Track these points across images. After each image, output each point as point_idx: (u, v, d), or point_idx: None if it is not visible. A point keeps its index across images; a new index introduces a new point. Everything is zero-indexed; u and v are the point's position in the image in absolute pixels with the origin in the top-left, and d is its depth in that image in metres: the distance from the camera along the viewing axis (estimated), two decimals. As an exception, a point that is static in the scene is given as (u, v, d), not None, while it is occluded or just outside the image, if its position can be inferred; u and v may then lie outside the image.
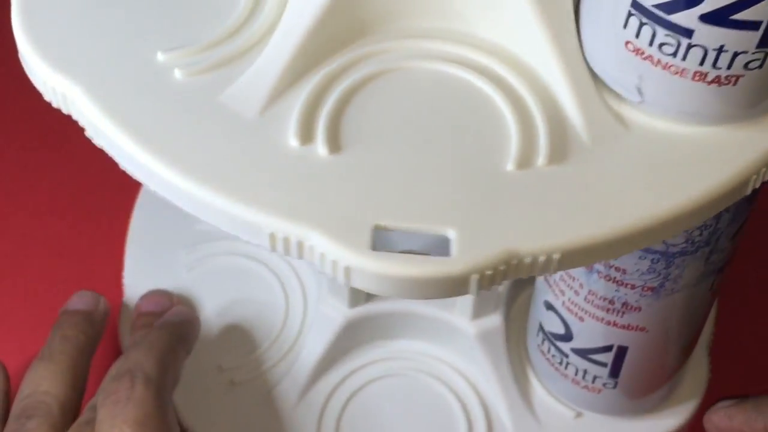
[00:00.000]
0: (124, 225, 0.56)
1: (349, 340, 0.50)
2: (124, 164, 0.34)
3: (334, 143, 0.33)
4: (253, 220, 0.32)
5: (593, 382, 0.46)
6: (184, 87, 0.35)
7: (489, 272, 0.31)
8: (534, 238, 0.31)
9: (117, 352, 0.51)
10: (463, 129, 0.34)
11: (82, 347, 0.45)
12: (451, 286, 0.31)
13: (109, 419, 0.40)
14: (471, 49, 0.35)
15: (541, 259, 0.31)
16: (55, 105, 0.35)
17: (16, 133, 0.61)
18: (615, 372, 0.45)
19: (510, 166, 0.33)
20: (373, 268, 0.31)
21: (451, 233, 0.31)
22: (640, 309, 0.41)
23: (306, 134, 0.33)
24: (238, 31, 0.36)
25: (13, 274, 0.56)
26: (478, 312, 0.48)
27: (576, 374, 0.46)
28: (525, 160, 0.33)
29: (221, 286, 0.52)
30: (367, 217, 0.31)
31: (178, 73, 0.35)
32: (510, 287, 0.49)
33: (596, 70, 0.34)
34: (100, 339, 0.47)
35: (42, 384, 0.43)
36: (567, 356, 0.46)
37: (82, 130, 0.35)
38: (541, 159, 0.33)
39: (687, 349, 0.46)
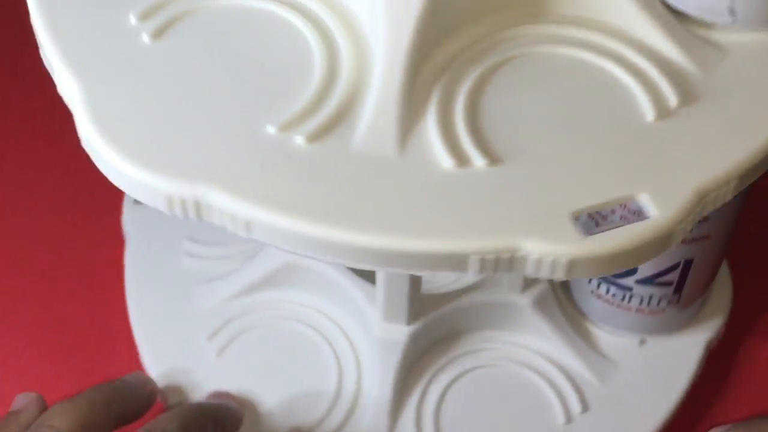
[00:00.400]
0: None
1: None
2: (271, 241, 0.33)
3: (491, 154, 0.33)
4: (457, 250, 0.32)
5: (658, 304, 0.48)
6: (312, 151, 0.34)
7: (692, 216, 0.32)
8: (711, 171, 0.33)
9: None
10: (594, 102, 0.35)
11: (109, 401, 0.43)
12: (661, 245, 0.32)
13: None
14: (573, 28, 0.37)
15: (724, 189, 0.33)
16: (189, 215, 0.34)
17: (16, 133, 0.61)
18: (679, 287, 0.47)
19: (650, 118, 0.34)
20: (597, 252, 0.31)
21: (643, 197, 0.32)
22: (709, 218, 0.44)
23: (458, 155, 0.33)
24: (332, 83, 0.35)
25: (13, 274, 0.55)
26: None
27: (641, 303, 0.48)
28: (661, 109, 0.34)
29: (258, 363, 0.51)
30: (561, 209, 0.32)
31: (299, 140, 0.34)
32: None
33: (684, 7, 0.36)
34: (137, 413, 0.45)
35: (53, 418, 0.41)
36: (630, 289, 0.47)
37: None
38: (672, 103, 0.35)
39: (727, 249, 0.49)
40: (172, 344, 0.51)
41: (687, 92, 0.35)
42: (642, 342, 0.51)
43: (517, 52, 0.36)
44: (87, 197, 0.58)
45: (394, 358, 0.49)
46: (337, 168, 0.33)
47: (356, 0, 0.36)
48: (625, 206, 0.32)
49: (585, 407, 0.49)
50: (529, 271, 0.32)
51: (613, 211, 0.32)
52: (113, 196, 0.54)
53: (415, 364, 0.50)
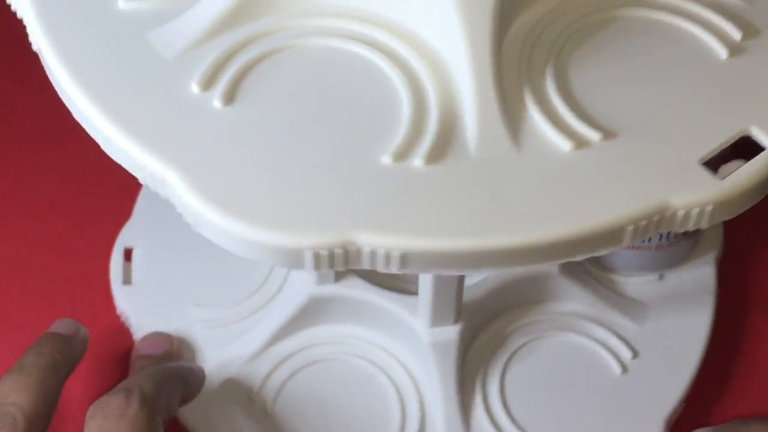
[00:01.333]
0: (124, 224, 0.56)
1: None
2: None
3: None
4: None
5: (675, 237, 0.50)
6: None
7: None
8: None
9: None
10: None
11: (56, 365, 0.44)
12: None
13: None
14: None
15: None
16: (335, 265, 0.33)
17: (16, 133, 0.60)
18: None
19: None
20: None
21: (754, 130, 0.34)
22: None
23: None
24: (423, 105, 0.35)
25: (13, 274, 0.55)
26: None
27: (660, 239, 0.50)
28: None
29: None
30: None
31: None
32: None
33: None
34: (76, 363, 0.46)
35: (10, 395, 0.42)
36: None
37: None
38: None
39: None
40: (211, 411, 0.49)
41: (746, 25, 0.37)
42: (661, 277, 0.53)
43: (585, 21, 0.37)
44: (87, 197, 0.58)
45: (450, 361, 0.49)
46: (464, 180, 0.33)
47: (422, 20, 0.36)
48: (739, 143, 0.34)
49: (635, 353, 0.51)
50: (678, 226, 0.33)
51: (733, 151, 0.34)
52: (114, 196, 0.57)
53: (465, 362, 0.50)
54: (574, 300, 0.52)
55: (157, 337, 0.51)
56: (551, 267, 0.51)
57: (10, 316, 0.54)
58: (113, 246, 0.55)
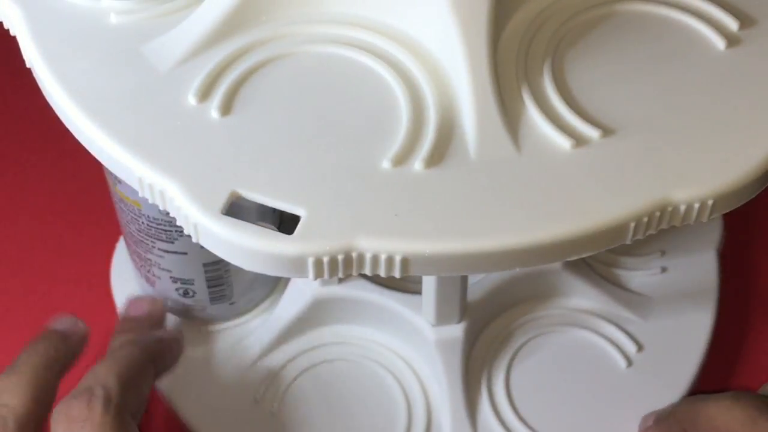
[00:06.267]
0: None
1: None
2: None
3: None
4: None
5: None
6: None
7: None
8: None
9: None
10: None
11: (50, 361, 0.43)
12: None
13: None
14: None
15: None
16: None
17: (16, 134, 0.61)
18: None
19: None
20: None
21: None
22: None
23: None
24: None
25: (13, 274, 0.56)
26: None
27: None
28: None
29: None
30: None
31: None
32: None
33: None
34: (74, 359, 0.45)
35: (2, 396, 0.41)
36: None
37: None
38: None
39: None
40: (217, 414, 0.49)
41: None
42: (663, 270, 0.53)
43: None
44: (87, 197, 0.58)
45: (456, 359, 0.49)
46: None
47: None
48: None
49: (639, 346, 0.51)
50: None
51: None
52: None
53: (470, 360, 0.50)
54: (577, 295, 0.52)
55: (147, 301, 0.50)
56: (433, 334, 0.50)
57: (10, 315, 0.54)
58: (113, 246, 0.55)
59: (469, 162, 0.34)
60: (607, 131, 0.34)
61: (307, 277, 0.32)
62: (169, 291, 0.50)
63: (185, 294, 0.50)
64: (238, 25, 0.37)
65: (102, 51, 0.37)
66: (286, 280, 0.52)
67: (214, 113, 0.35)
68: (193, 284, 0.49)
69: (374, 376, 0.50)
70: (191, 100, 0.35)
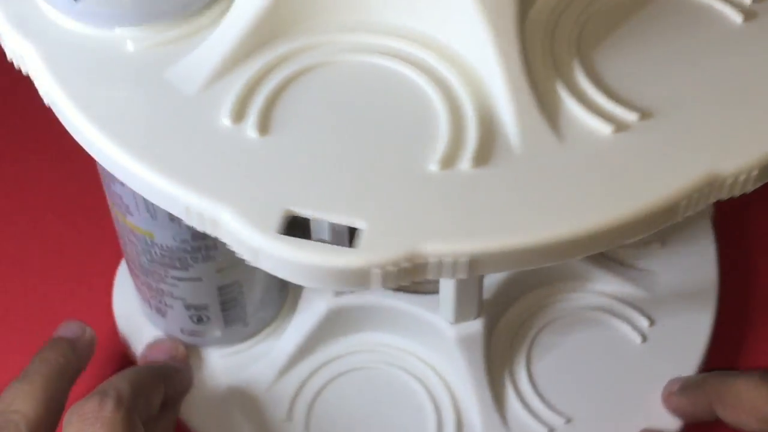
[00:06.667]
0: None
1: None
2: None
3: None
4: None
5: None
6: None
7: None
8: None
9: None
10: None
11: (60, 370, 0.45)
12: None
13: None
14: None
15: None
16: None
17: (16, 133, 0.61)
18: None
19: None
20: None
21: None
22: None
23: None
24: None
25: (13, 274, 0.56)
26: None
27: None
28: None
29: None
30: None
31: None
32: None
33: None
34: (83, 366, 0.47)
35: (14, 403, 0.42)
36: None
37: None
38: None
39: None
40: None
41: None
42: (663, 244, 0.54)
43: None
44: (87, 197, 0.57)
45: (478, 354, 0.49)
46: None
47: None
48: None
49: (651, 320, 0.52)
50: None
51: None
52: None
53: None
54: (584, 277, 0.53)
55: (167, 343, 0.50)
56: (453, 331, 0.50)
57: (10, 316, 0.54)
58: (113, 246, 0.53)
59: (514, 157, 0.34)
60: (644, 114, 0.35)
61: (370, 287, 0.32)
62: (182, 319, 0.49)
63: (198, 320, 0.49)
64: (264, 39, 0.36)
65: (125, 80, 0.36)
66: (295, 296, 0.52)
67: (252, 132, 0.34)
68: (207, 309, 0.48)
69: (397, 381, 0.50)
70: (225, 121, 0.35)
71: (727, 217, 0.56)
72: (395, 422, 0.49)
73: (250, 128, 0.34)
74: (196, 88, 0.35)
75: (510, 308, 0.52)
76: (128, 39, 0.37)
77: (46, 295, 0.55)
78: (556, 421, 0.49)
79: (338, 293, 0.50)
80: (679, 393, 0.48)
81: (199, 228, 0.33)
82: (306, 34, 0.37)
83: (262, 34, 0.36)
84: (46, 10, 0.37)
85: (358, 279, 0.32)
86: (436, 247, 0.32)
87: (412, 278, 0.32)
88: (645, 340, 0.51)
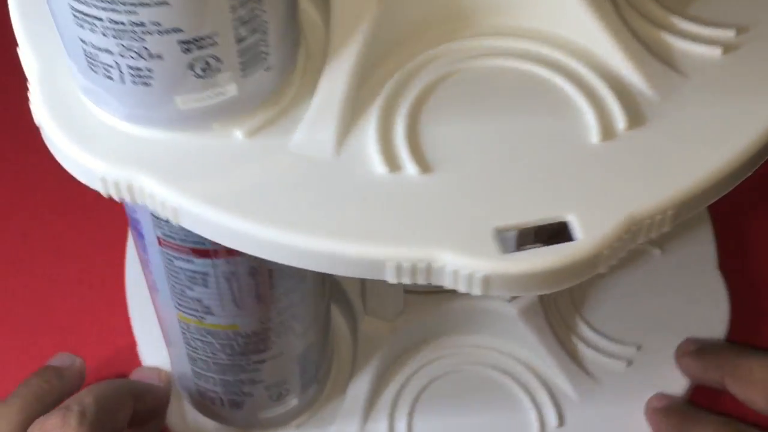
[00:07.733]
0: (124, 224, 0.54)
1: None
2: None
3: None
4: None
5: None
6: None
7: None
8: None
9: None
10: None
11: (41, 394, 0.45)
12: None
13: None
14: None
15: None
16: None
17: (17, 133, 0.61)
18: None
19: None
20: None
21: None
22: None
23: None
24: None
25: (13, 274, 0.56)
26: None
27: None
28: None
29: None
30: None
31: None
32: None
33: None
34: (67, 393, 0.45)
35: None
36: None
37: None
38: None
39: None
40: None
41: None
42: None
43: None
44: (87, 197, 0.53)
45: (541, 321, 0.50)
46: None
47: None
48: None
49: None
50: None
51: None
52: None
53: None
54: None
55: (149, 370, 0.50)
56: (511, 307, 0.51)
57: (10, 316, 0.54)
58: (113, 246, 0.55)
59: (658, 107, 0.35)
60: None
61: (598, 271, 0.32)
62: (261, 403, 0.47)
63: (278, 397, 0.47)
64: (372, 72, 0.35)
65: (254, 168, 0.34)
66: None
67: (413, 171, 0.33)
68: (286, 383, 0.46)
69: (479, 377, 0.50)
70: (381, 169, 0.33)
71: (727, 217, 0.57)
72: (494, 415, 0.49)
73: (410, 169, 0.33)
74: (331, 150, 0.34)
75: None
76: (237, 130, 0.34)
77: (46, 295, 0.54)
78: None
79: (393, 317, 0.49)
80: (693, 355, 0.49)
81: (411, 281, 0.32)
82: (403, 55, 0.36)
83: (371, 70, 0.35)
84: (120, 126, 0.35)
85: (589, 267, 0.32)
86: (646, 208, 0.32)
87: (630, 247, 0.32)
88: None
